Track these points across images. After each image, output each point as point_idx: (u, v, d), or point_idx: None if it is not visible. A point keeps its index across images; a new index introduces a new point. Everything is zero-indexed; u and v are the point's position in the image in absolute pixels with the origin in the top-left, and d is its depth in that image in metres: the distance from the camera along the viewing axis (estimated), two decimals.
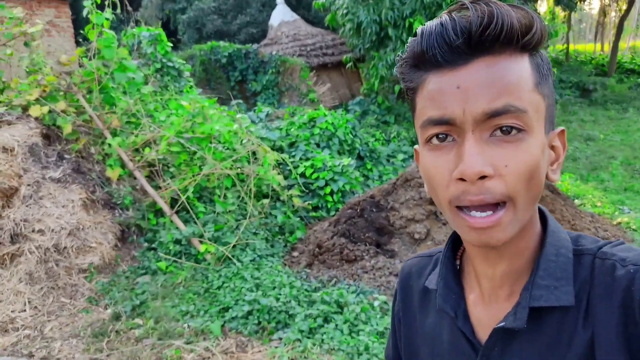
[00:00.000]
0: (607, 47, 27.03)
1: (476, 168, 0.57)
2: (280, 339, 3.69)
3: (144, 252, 5.07)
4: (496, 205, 0.59)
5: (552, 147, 0.67)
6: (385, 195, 5.16)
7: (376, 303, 4.04)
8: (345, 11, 11.49)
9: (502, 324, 0.66)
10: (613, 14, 30.79)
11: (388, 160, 9.02)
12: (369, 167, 8.25)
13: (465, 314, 0.74)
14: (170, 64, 9.03)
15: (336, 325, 3.76)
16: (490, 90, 0.58)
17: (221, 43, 13.67)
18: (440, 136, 0.62)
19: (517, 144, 0.59)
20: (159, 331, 3.80)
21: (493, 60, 0.59)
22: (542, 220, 0.72)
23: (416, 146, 0.74)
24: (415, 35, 0.63)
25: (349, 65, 13.00)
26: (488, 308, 0.72)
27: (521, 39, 0.58)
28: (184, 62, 9.58)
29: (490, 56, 0.59)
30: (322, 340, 3.61)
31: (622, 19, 19.39)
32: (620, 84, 17.34)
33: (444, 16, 0.60)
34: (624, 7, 21.26)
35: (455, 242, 0.80)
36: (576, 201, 6.58)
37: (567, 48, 23.19)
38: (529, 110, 0.59)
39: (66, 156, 5.48)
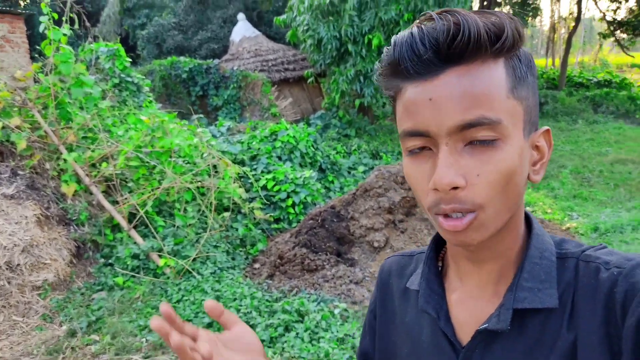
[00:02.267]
0: (558, 62, 28.30)
1: (447, 179, 0.58)
2: None
3: (100, 268, 4.98)
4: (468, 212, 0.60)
5: (537, 147, 0.66)
6: (346, 206, 5.25)
7: (337, 311, 4.10)
8: (305, 27, 11.68)
9: (485, 325, 0.66)
10: (563, 30, 32.35)
11: (349, 172, 9.18)
12: (330, 179, 8.37)
13: (447, 315, 0.74)
14: (129, 79, 8.94)
15: (297, 333, 3.79)
16: (462, 102, 0.57)
17: (182, 58, 13.64)
18: (418, 149, 0.63)
19: (490, 154, 0.59)
20: (116, 346, 3.74)
21: (464, 70, 0.58)
22: (527, 224, 0.72)
23: None
24: (390, 44, 0.63)
25: (310, 80, 13.18)
26: (470, 309, 0.72)
27: (490, 47, 0.58)
28: (143, 77, 9.51)
29: (461, 66, 0.58)
30: (283, 348, 3.63)
31: (571, 35, 20.37)
32: (569, 96, 18.13)
33: (414, 27, 0.60)
34: (572, 24, 22.37)
35: (437, 243, 0.81)
36: (528, 208, 6.86)
37: None
38: (504, 119, 0.58)
39: (20, 172, 5.35)
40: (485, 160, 0.59)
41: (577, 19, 20.42)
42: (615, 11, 20.00)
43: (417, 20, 0.60)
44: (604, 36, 21.40)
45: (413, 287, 0.80)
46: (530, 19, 20.30)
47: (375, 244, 4.84)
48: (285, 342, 3.69)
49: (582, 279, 0.64)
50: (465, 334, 0.71)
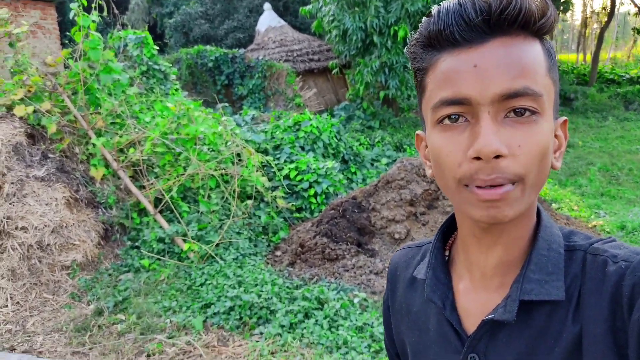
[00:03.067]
0: (589, 58, 27.60)
1: (493, 146, 0.57)
2: (261, 333, 3.76)
3: (127, 250, 5.11)
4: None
5: (556, 136, 0.67)
6: (367, 197, 5.26)
7: (356, 300, 4.13)
8: (331, 18, 11.65)
9: (492, 315, 0.66)
10: (595, 25, 31.49)
11: (372, 164, 9.15)
12: (353, 170, 8.37)
13: (453, 305, 0.74)
14: (156, 66, 9.07)
15: (316, 320, 3.84)
16: (508, 71, 0.58)
17: (208, 47, 13.75)
18: (453, 117, 0.61)
19: (530, 126, 0.59)
20: (141, 326, 3.85)
21: (510, 41, 0.59)
22: (537, 215, 0.72)
23: (418, 131, 0.75)
24: (429, 15, 0.63)
25: (334, 71, 13.16)
26: (477, 299, 0.72)
27: (537, 23, 0.59)
28: (170, 65, 9.63)
29: (506, 37, 0.59)
30: (302, 334, 3.69)
31: (603, 31, 19.83)
32: (600, 93, 17.73)
33: None
34: (605, 19, 21.77)
35: (445, 232, 0.81)
36: (554, 205, 6.76)
37: None
38: (544, 93, 0.60)
39: (50, 155, 5.50)
40: (526, 132, 0.59)
41: (610, 14, 19.86)
42: None
43: None
44: (638, 31, 20.77)
45: (420, 276, 0.80)
46: (561, 13, 19.80)
47: (396, 236, 4.85)
48: (305, 328, 3.75)
49: (589, 272, 0.64)
50: (470, 324, 0.72)
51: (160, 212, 5.38)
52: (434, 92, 0.63)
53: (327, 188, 6.69)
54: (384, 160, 9.22)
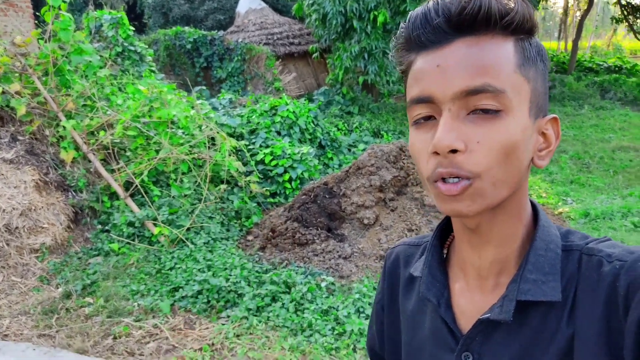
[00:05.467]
0: (570, 46, 27.89)
1: (446, 142, 0.59)
2: (228, 316, 3.82)
3: (97, 234, 5.10)
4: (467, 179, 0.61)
5: (543, 135, 0.67)
6: (338, 182, 5.32)
7: (323, 284, 4.20)
8: (311, 1, 11.57)
9: (488, 315, 0.67)
10: (578, 13, 31.73)
11: (349, 150, 9.21)
12: (329, 155, 8.42)
13: (448, 303, 0.74)
14: (131, 47, 8.96)
15: (283, 304, 3.91)
16: (468, 69, 0.59)
17: (186, 28, 13.58)
18: (424, 117, 0.64)
19: (492, 122, 0.59)
20: (108, 309, 3.88)
21: (474, 41, 0.60)
22: (534, 215, 0.72)
23: None
24: (396, 22, 0.69)
25: (315, 55, 13.11)
26: (472, 298, 0.73)
27: (499, 20, 0.59)
28: (146, 46, 9.51)
29: (472, 37, 0.60)
30: (268, 317, 3.76)
31: (582, 19, 20.03)
32: (578, 81, 17.93)
33: (430, 0, 0.63)
34: (585, 7, 21.97)
35: (443, 230, 0.81)
36: None
37: None
38: (508, 90, 0.59)
39: (20, 138, 5.44)
40: (487, 129, 0.59)
41: (590, 2, 20.04)
42: None
43: None
44: (617, 20, 21.02)
45: (416, 274, 0.81)
46: (543, 1, 19.94)
47: (365, 221, 4.93)
48: (271, 311, 3.82)
49: (585, 272, 0.64)
50: (465, 323, 0.72)
51: (131, 196, 5.37)
52: (408, 92, 0.66)
53: (302, 173, 6.73)
54: (361, 146, 9.28)
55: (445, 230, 0.81)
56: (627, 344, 0.57)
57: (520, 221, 0.69)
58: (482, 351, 0.69)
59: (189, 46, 13.24)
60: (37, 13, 6.85)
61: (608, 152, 10.13)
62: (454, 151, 0.59)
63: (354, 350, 3.40)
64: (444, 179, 0.61)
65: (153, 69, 9.06)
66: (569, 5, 30.38)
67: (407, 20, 0.65)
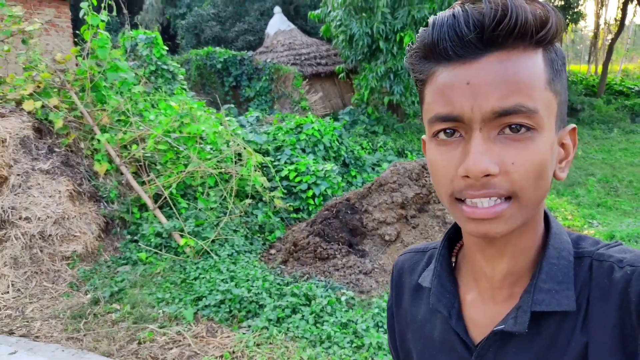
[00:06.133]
0: (600, 69, 27.52)
1: (481, 166, 0.56)
2: (249, 326, 3.90)
3: (126, 244, 5.28)
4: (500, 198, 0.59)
5: (562, 145, 0.65)
6: (360, 199, 5.39)
7: (343, 298, 4.26)
8: (338, 23, 11.81)
9: (502, 327, 0.65)
10: (609, 36, 31.39)
11: (373, 169, 9.28)
12: (353, 173, 8.50)
13: (459, 314, 0.73)
14: (164, 66, 9.29)
15: (302, 315, 3.97)
16: (501, 88, 0.56)
17: (217, 49, 13.99)
18: (448, 131, 0.61)
19: (525, 143, 0.57)
20: (134, 315, 4.01)
21: (505, 56, 0.57)
22: (545, 222, 0.70)
23: (424, 136, 0.73)
24: (426, 25, 0.61)
25: (341, 75, 13.32)
26: (484, 309, 0.71)
27: (535, 34, 0.57)
28: (179, 65, 9.84)
29: (502, 51, 0.57)
30: (288, 328, 3.82)
31: (613, 42, 19.84)
32: (607, 105, 17.72)
33: (456, 7, 0.58)
34: (616, 30, 21.74)
35: (451, 238, 0.79)
36: None
37: None
38: (540, 109, 0.57)
39: (56, 149, 5.70)
40: (520, 149, 0.57)
41: (621, 24, 19.87)
42: None
43: (459, 1, 0.59)
44: None
45: (425, 284, 0.79)
46: (572, 24, 19.81)
47: (387, 237, 4.97)
48: (291, 322, 3.88)
49: (596, 279, 0.63)
50: (477, 334, 0.71)
51: (160, 207, 5.55)
52: (430, 106, 0.62)
53: (325, 190, 6.84)
54: (385, 165, 9.33)
55: (453, 238, 0.80)
56: None
57: (537, 233, 0.68)
58: None
59: (219, 66, 13.62)
60: (77, 31, 7.21)
61: (637, 175, 9.96)
62: (487, 175, 0.57)
63: None
64: (471, 200, 0.59)
65: (184, 87, 9.36)
66: (600, 28, 30.07)
67: (429, 27, 0.60)
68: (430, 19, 0.60)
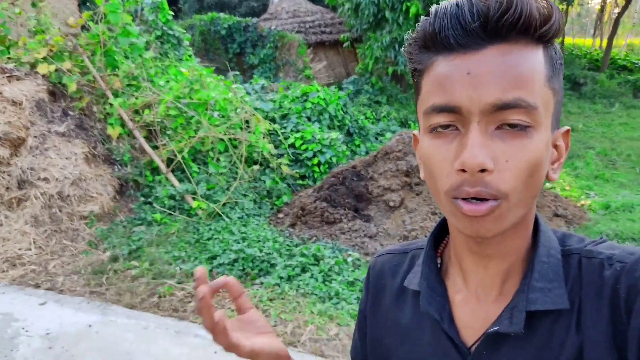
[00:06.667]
0: (605, 43, 27.32)
1: (478, 159, 0.55)
2: (262, 283, 4.14)
3: (140, 205, 5.48)
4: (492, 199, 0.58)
5: (555, 147, 0.64)
6: (366, 166, 5.58)
7: (350, 259, 4.49)
8: None
9: (496, 328, 0.64)
10: (616, 10, 31.00)
11: (376, 138, 9.44)
12: (357, 143, 8.66)
13: (450, 317, 0.71)
14: (170, 32, 9.31)
15: (312, 274, 4.21)
16: (502, 80, 0.55)
17: (221, 15, 13.92)
18: (444, 125, 0.59)
19: (521, 140, 0.56)
20: (153, 272, 4.24)
21: (507, 49, 0.56)
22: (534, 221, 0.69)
23: (415, 131, 0.72)
24: (428, 14, 0.60)
25: (346, 44, 13.31)
26: (475, 310, 0.70)
27: (539, 29, 0.56)
28: (184, 31, 9.85)
29: (505, 44, 0.56)
30: (299, 286, 4.06)
31: (619, 15, 19.67)
32: (610, 79, 17.71)
33: None
34: (623, 3, 21.53)
35: (436, 238, 0.78)
36: (547, 184, 7.04)
37: (562, 41, 23.45)
38: (540, 106, 0.56)
39: (70, 113, 5.83)
40: (516, 147, 0.56)
41: None
42: None
43: None
44: None
45: (412, 287, 0.76)
46: None
47: (391, 204, 5.18)
48: (301, 280, 4.12)
49: (587, 275, 0.63)
50: (469, 336, 0.69)
51: (172, 171, 5.73)
52: (426, 96, 0.61)
53: (330, 158, 7.01)
54: (388, 135, 9.48)
55: (437, 238, 0.78)
56: (631, 347, 0.56)
57: (528, 232, 0.67)
58: None
59: (223, 32, 13.59)
60: None
61: (636, 150, 10.11)
62: (482, 170, 0.56)
63: None
64: (465, 198, 0.58)
65: (190, 53, 9.41)
66: (607, 1, 29.71)
67: (431, 15, 0.59)
68: (433, 8, 0.59)
